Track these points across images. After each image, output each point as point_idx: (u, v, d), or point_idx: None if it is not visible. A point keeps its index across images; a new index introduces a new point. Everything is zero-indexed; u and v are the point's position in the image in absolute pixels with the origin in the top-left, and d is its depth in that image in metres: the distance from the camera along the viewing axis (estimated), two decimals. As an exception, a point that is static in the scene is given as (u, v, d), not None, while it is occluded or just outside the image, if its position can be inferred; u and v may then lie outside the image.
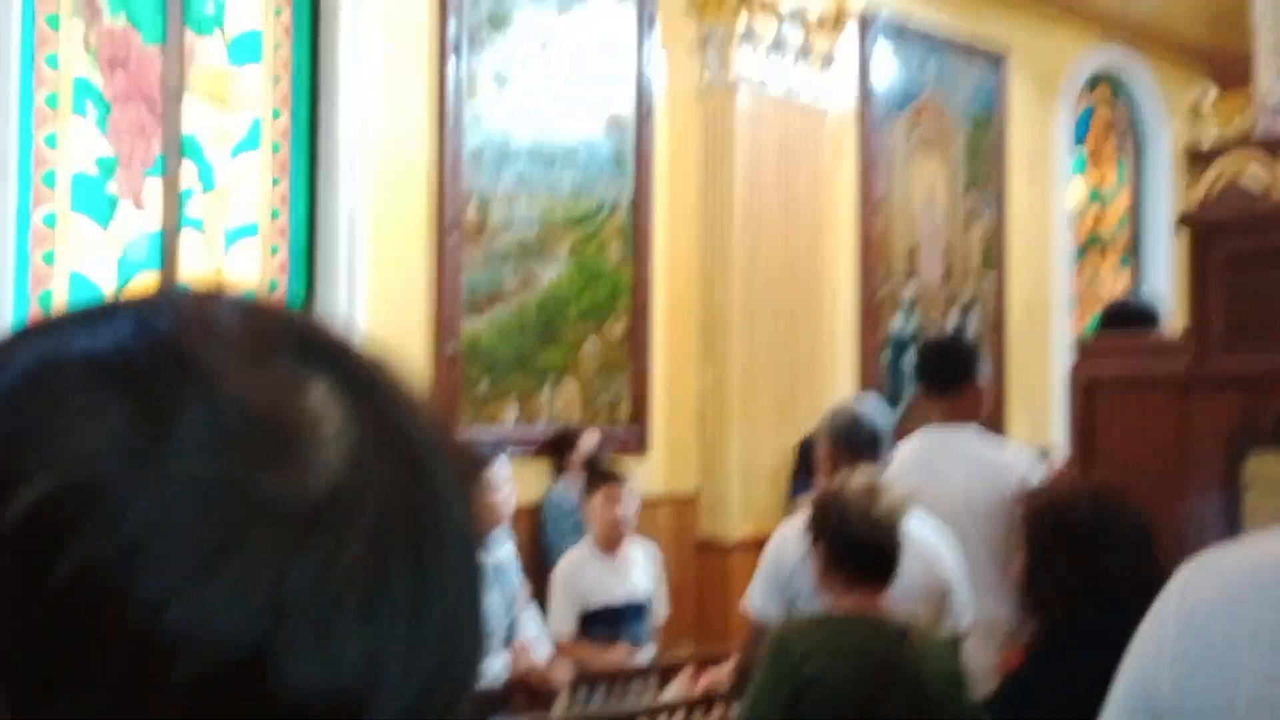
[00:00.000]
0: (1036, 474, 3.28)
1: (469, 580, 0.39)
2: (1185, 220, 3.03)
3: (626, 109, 5.68)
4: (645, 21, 5.74)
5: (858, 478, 2.55)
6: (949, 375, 3.42)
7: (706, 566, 5.75)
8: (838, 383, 6.34)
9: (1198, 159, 3.13)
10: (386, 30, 4.96)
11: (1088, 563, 2.09)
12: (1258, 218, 2.85)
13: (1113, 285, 8.01)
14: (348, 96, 4.84)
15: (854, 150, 6.57)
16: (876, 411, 3.35)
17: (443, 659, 0.38)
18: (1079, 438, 3.20)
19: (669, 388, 5.81)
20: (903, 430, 3.77)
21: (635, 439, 5.67)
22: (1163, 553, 2.73)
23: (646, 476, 5.54)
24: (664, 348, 5.80)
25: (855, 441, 3.13)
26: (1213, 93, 6.76)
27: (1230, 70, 7.13)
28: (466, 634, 0.39)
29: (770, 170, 5.96)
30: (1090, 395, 3.16)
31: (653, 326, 5.76)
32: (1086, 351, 3.31)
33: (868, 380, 6.51)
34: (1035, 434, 6.90)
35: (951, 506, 3.07)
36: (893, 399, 6.35)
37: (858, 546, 2.41)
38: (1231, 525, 2.68)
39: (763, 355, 5.92)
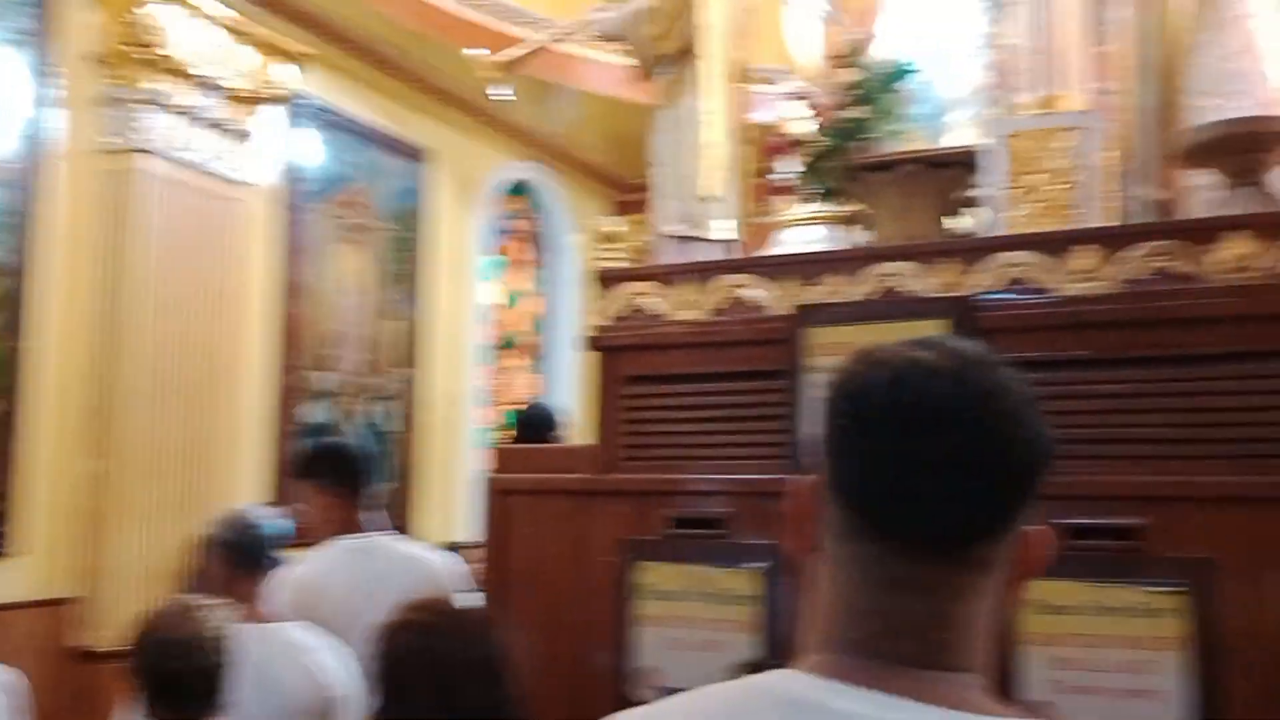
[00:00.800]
0: (458, 575, 3.28)
1: None
2: (590, 341, 3.20)
3: (9, 162, 5.00)
4: (37, 69, 5.12)
5: (169, 603, 2.37)
6: (364, 475, 3.34)
7: (82, 680, 5.08)
8: (247, 476, 5.99)
9: (602, 280, 3.34)
10: None
11: (416, 697, 1.97)
12: (653, 341, 3.08)
13: (523, 387, 8.42)
14: None
15: (274, 232, 6.33)
16: (269, 519, 3.16)
17: None
18: (492, 543, 3.23)
19: (46, 479, 5.11)
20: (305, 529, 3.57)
21: (-1, 539, 4.91)
22: (559, 662, 2.79)
23: (12, 581, 4.82)
24: (42, 434, 5.10)
25: (242, 549, 2.94)
26: (616, 217, 7.44)
27: (635, 195, 7.91)
28: None
29: (179, 244, 5.55)
30: (502, 501, 3.21)
31: (29, 409, 5.05)
32: (499, 458, 3.37)
33: (279, 473, 6.21)
34: (447, 530, 7.00)
35: (379, 611, 2.95)
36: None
37: (165, 678, 2.21)
38: (623, 630, 2.82)
39: (162, 444, 5.42)
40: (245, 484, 5.94)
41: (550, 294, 8.74)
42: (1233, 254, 2.74)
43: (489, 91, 4.32)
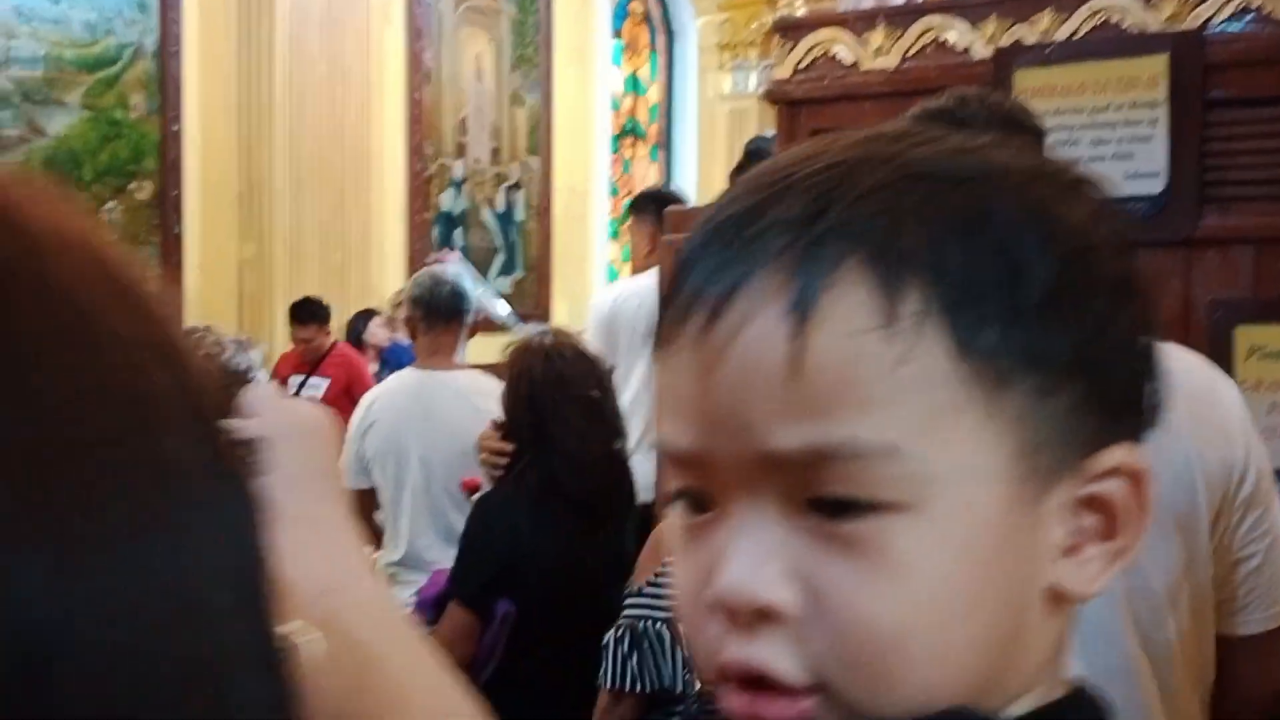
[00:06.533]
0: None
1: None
2: (771, 94, 3.09)
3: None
4: None
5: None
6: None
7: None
8: (386, 260, 6.06)
9: (781, 29, 3.20)
10: None
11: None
12: (840, 92, 2.96)
13: (645, 175, 8.30)
14: None
15: (401, 15, 6.22)
16: (459, 273, 3.14)
17: None
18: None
19: (203, 261, 5.24)
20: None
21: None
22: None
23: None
24: (197, 216, 5.20)
25: (435, 304, 2.96)
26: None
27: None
28: None
29: (314, 28, 5.48)
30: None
31: (184, 191, 5.13)
32: (676, 223, 3.32)
33: (416, 259, 6.28)
34: (575, 318, 7.05)
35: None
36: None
37: None
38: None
39: (308, 228, 5.50)
40: (387, 267, 6.01)
41: (671, 78, 8.48)
42: None
43: None
